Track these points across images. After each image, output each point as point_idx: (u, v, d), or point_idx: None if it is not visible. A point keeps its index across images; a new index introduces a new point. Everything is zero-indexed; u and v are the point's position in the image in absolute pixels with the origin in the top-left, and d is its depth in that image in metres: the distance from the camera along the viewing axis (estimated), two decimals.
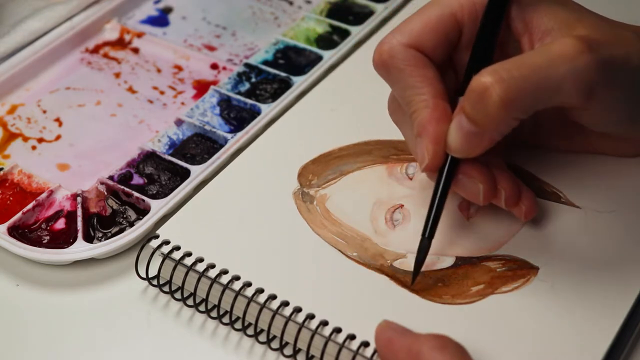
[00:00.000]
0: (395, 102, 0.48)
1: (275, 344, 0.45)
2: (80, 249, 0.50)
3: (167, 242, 0.48)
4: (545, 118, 0.47)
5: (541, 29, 0.44)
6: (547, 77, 0.41)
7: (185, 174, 0.54)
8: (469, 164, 0.45)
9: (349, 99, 0.57)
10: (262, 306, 0.45)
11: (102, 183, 0.54)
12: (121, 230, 0.52)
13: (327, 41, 0.65)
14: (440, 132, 0.44)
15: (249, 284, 0.46)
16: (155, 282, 0.48)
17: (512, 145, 0.49)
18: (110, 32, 0.67)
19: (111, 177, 0.54)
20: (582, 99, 0.42)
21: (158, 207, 0.52)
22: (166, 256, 0.48)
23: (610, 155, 0.50)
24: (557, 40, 0.42)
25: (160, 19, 0.69)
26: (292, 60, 0.63)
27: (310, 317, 0.44)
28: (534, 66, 0.41)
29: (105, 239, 0.51)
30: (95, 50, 0.66)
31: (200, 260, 0.47)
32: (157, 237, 0.49)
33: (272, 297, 0.45)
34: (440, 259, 0.47)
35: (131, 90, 0.63)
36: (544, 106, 0.42)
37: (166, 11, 0.70)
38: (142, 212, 0.53)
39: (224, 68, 0.64)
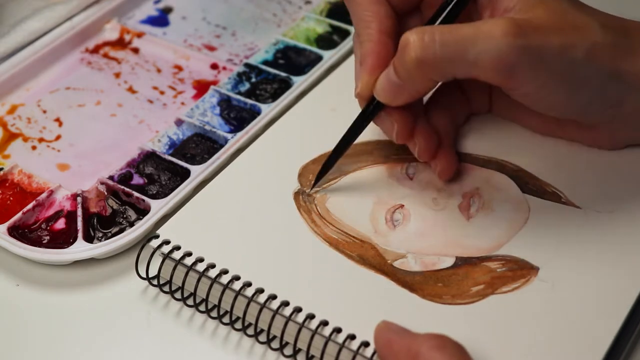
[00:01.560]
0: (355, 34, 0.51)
1: (275, 344, 0.45)
2: (80, 249, 0.50)
3: (167, 242, 0.48)
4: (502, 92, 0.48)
5: (503, 5, 0.46)
6: (464, 49, 0.43)
7: (185, 174, 0.54)
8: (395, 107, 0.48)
9: (349, 99, 0.57)
10: (262, 306, 0.45)
11: (102, 183, 0.54)
12: (121, 230, 0.52)
13: (327, 41, 0.65)
14: (376, 64, 0.47)
15: (249, 284, 0.46)
16: (155, 282, 0.48)
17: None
18: (110, 32, 0.67)
19: (111, 177, 0.54)
20: (501, 77, 0.44)
21: (158, 207, 0.52)
22: (166, 256, 0.48)
23: (587, 145, 0.51)
24: (492, 19, 0.44)
25: (160, 19, 0.69)
26: (292, 60, 0.63)
27: (310, 317, 0.44)
28: (458, 36, 0.43)
29: (105, 239, 0.51)
30: (95, 50, 0.66)
31: (201, 260, 0.47)
32: (157, 237, 0.49)
33: (272, 297, 0.45)
34: (440, 259, 0.47)
35: (131, 90, 0.63)
36: (462, 76, 0.45)
37: (166, 11, 0.70)
38: (142, 212, 0.53)
39: (224, 68, 0.64)
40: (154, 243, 0.48)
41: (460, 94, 0.52)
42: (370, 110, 0.49)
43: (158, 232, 0.49)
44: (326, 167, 0.50)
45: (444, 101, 0.51)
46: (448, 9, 0.47)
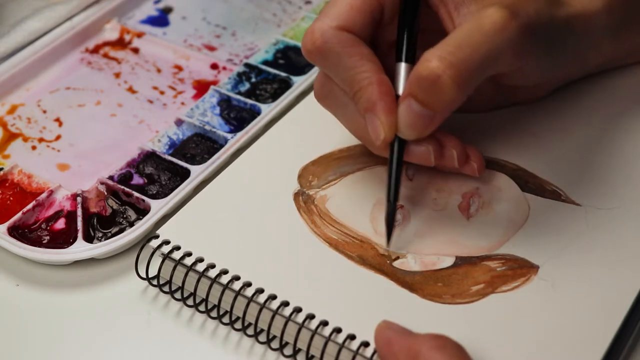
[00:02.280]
0: (325, 86, 0.48)
1: (275, 344, 0.45)
2: (80, 249, 0.50)
3: (167, 242, 0.48)
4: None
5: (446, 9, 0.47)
6: (487, 52, 0.43)
7: (185, 174, 0.54)
8: None
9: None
10: (262, 306, 0.45)
11: (102, 183, 0.54)
12: (121, 230, 0.52)
13: None
14: (391, 104, 0.45)
15: (248, 284, 0.46)
16: (155, 282, 0.48)
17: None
18: (110, 32, 0.67)
19: (111, 177, 0.54)
20: (515, 63, 0.45)
21: (158, 207, 0.52)
22: (166, 256, 0.48)
23: (524, 103, 0.53)
24: (482, 12, 0.44)
25: (160, 19, 0.69)
26: (292, 60, 0.63)
27: (310, 317, 0.44)
28: (474, 44, 0.43)
29: (105, 239, 0.51)
30: (95, 50, 0.66)
31: (200, 260, 0.47)
32: (157, 237, 0.49)
33: (272, 297, 0.45)
34: (440, 258, 0.47)
35: (131, 90, 0.63)
36: (486, 77, 0.45)
37: (166, 11, 0.70)
38: (142, 212, 0.53)
39: (224, 68, 0.64)
40: (154, 243, 0.48)
41: None
42: (398, 149, 0.46)
43: (158, 232, 0.49)
44: (390, 221, 0.47)
45: None
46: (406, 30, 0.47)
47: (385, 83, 0.46)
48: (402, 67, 0.47)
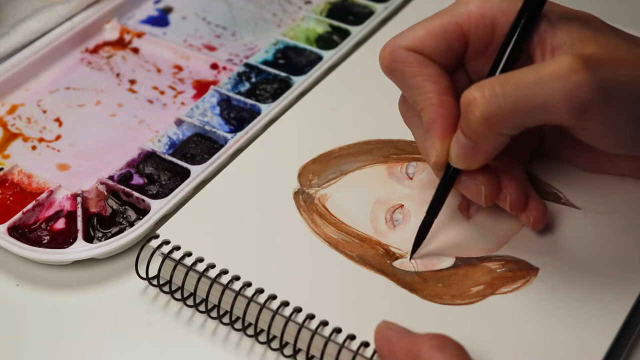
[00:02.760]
0: (404, 103, 0.49)
1: (275, 344, 0.45)
2: (80, 249, 0.50)
3: (167, 242, 0.48)
4: (562, 134, 0.47)
5: (553, 43, 0.44)
6: (531, 96, 0.40)
7: (185, 174, 0.54)
8: None
9: (349, 99, 0.57)
10: (262, 306, 0.45)
11: (102, 183, 0.54)
12: (121, 230, 0.52)
13: (327, 41, 0.65)
14: (446, 129, 0.45)
15: (248, 284, 0.46)
16: (155, 282, 0.48)
17: (538, 156, 0.50)
18: (110, 32, 0.67)
19: (111, 177, 0.54)
20: (574, 118, 0.41)
21: (158, 207, 0.52)
22: (166, 256, 0.48)
23: (635, 178, 0.49)
24: (555, 58, 0.41)
25: (160, 19, 0.69)
26: (292, 60, 0.63)
27: (310, 317, 0.44)
28: (520, 84, 0.41)
29: (105, 239, 0.51)
30: (95, 50, 0.66)
31: (200, 260, 0.47)
32: (157, 237, 0.49)
33: (272, 297, 0.45)
34: (440, 259, 0.47)
35: (131, 90, 0.63)
36: (533, 124, 0.42)
37: (166, 11, 0.70)
38: (142, 212, 0.52)
39: (224, 68, 0.64)
40: (154, 243, 0.48)
41: (519, 137, 0.46)
42: (449, 176, 0.46)
43: (158, 232, 0.49)
44: (421, 234, 0.47)
45: (510, 148, 0.46)
46: (505, 56, 0.45)
47: (447, 106, 0.45)
48: None
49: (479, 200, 0.46)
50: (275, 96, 0.60)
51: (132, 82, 0.63)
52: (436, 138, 0.45)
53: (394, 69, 0.46)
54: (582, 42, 0.43)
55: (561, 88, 0.40)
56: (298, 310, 0.44)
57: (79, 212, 0.52)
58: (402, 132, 0.53)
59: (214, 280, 0.46)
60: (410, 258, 0.47)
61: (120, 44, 0.67)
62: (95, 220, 0.53)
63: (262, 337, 0.46)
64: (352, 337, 0.43)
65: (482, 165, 0.45)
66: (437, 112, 0.45)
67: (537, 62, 0.45)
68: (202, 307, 0.47)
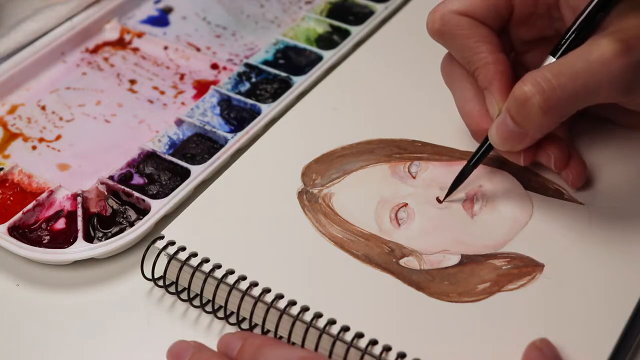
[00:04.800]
0: (448, 63, 0.51)
1: None
2: (80, 249, 0.50)
3: (172, 243, 0.48)
4: None
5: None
6: (585, 84, 0.43)
7: (186, 174, 0.54)
8: None
9: (351, 99, 0.57)
10: (269, 306, 0.45)
11: (102, 183, 0.54)
12: (121, 230, 0.51)
13: (327, 41, 0.65)
14: (505, 83, 0.47)
15: (255, 284, 0.46)
16: (161, 282, 0.48)
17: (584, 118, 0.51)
18: (111, 32, 0.67)
19: (111, 177, 0.54)
20: (622, 96, 0.44)
21: (158, 207, 0.52)
22: (172, 257, 0.48)
23: None
24: (595, 41, 0.43)
25: (160, 19, 0.69)
26: (292, 60, 0.63)
27: (318, 316, 0.44)
28: (573, 74, 0.43)
29: (105, 239, 0.51)
30: (95, 50, 0.66)
31: (206, 260, 0.47)
32: (162, 237, 0.48)
33: (279, 296, 0.45)
34: (445, 257, 0.47)
35: (131, 90, 0.62)
36: (583, 107, 0.44)
37: (166, 11, 0.70)
38: (143, 212, 0.52)
39: (224, 68, 0.64)
40: (160, 244, 0.48)
41: None
42: (488, 144, 0.48)
43: (163, 232, 0.49)
44: (459, 178, 0.49)
45: None
46: (570, 37, 0.47)
47: (502, 62, 0.48)
48: (549, 61, 0.47)
49: (518, 161, 0.48)
50: (275, 96, 0.60)
51: (132, 82, 0.63)
52: (497, 93, 0.47)
53: (445, 32, 0.48)
54: (622, 15, 0.45)
55: (608, 73, 0.43)
56: (305, 309, 0.44)
57: (79, 212, 0.52)
58: (404, 132, 0.54)
59: (220, 281, 0.46)
60: (443, 200, 0.49)
61: (120, 44, 0.66)
62: (95, 220, 0.53)
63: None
64: (360, 336, 0.43)
65: (525, 147, 0.47)
66: (495, 69, 0.47)
67: (567, 20, 0.48)
68: (208, 308, 0.47)
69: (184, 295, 0.48)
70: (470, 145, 0.52)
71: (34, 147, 0.58)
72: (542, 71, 0.44)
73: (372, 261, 0.47)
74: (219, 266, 0.47)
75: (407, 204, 0.49)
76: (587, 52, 0.43)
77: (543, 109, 0.43)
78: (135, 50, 0.66)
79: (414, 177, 0.51)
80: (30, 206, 0.52)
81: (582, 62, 0.43)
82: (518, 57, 0.51)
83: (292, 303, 0.45)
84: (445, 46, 0.50)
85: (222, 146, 0.56)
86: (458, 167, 0.51)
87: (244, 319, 0.46)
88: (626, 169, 0.50)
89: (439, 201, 0.49)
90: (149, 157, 0.56)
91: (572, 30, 0.47)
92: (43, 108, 0.61)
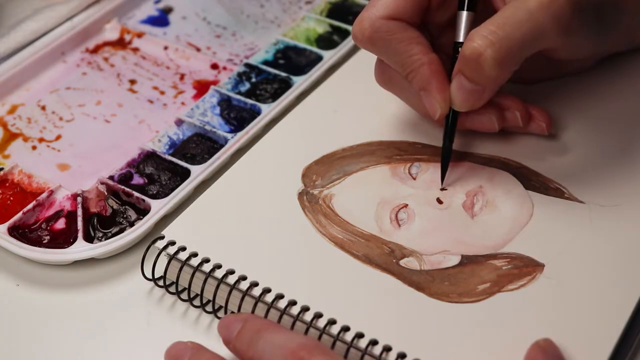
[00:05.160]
0: (385, 73, 0.52)
1: None
2: (81, 249, 0.50)
3: (172, 243, 0.48)
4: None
5: None
6: (530, 30, 0.45)
7: (186, 174, 0.54)
8: None
9: (351, 100, 0.57)
10: (270, 306, 0.45)
11: (102, 183, 0.54)
12: (121, 230, 0.51)
13: (327, 41, 0.65)
14: (443, 82, 0.48)
15: (255, 284, 0.46)
16: (161, 282, 0.48)
17: None
18: (111, 32, 0.67)
19: (111, 177, 0.54)
20: (561, 37, 0.46)
21: (158, 207, 0.52)
22: (172, 257, 0.48)
23: (571, 74, 0.55)
24: None
25: (160, 19, 0.69)
26: (292, 60, 0.63)
27: (318, 316, 0.44)
28: (517, 22, 0.45)
29: (105, 239, 0.51)
30: (96, 50, 0.66)
31: (207, 260, 0.47)
32: (162, 237, 0.48)
33: (280, 296, 0.45)
34: (446, 257, 0.47)
35: (131, 90, 0.62)
36: (530, 53, 0.46)
37: (166, 11, 0.70)
38: (143, 212, 0.52)
39: (224, 68, 0.64)
40: (160, 244, 0.48)
41: None
42: (452, 120, 0.50)
43: (163, 233, 0.49)
44: (444, 160, 0.50)
45: None
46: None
47: (436, 62, 0.48)
48: (463, 15, 0.49)
49: (493, 127, 0.50)
50: (275, 96, 0.60)
51: (132, 82, 0.63)
52: (437, 92, 0.48)
53: (377, 39, 0.49)
54: None
55: (550, 15, 0.45)
56: (306, 309, 0.44)
57: (79, 212, 0.52)
58: (404, 134, 0.54)
59: (221, 281, 0.46)
60: (442, 184, 0.50)
61: (120, 44, 0.66)
62: (95, 220, 0.53)
63: None
64: (360, 336, 0.43)
65: (486, 102, 0.48)
66: (430, 69, 0.48)
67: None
68: (208, 308, 0.47)
69: (184, 295, 0.48)
70: (471, 146, 0.52)
71: (34, 147, 0.58)
72: (485, 25, 0.45)
73: (372, 262, 0.47)
74: (219, 266, 0.47)
75: (407, 204, 0.49)
76: (524, 1, 0.45)
77: (496, 60, 0.45)
78: (135, 50, 0.66)
79: (415, 179, 0.51)
80: (30, 206, 0.52)
81: (522, 10, 0.45)
82: (433, 40, 0.52)
83: (293, 303, 0.45)
84: (376, 53, 0.50)
85: (222, 146, 0.56)
86: (458, 168, 0.51)
87: None
88: (627, 167, 0.50)
89: (440, 202, 0.49)
90: (149, 157, 0.56)
91: None
92: (43, 108, 0.61)
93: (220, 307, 0.47)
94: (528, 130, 0.51)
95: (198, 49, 0.66)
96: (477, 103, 0.48)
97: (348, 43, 0.63)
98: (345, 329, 0.43)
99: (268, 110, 0.58)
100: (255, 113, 0.58)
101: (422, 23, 0.51)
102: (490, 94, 0.48)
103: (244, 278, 0.46)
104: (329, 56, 0.62)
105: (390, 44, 0.49)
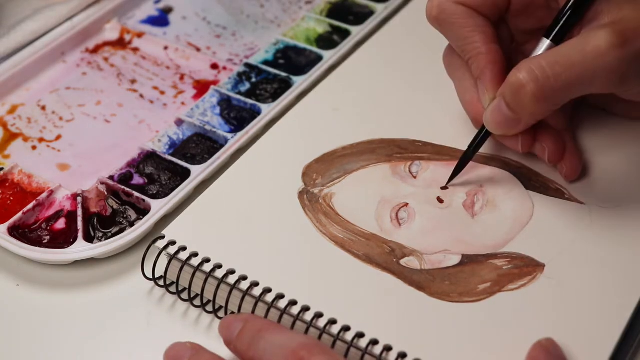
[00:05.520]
0: (449, 53, 0.52)
1: None
2: (81, 249, 0.50)
3: (173, 243, 0.48)
4: None
5: (591, 10, 0.47)
6: (579, 75, 0.44)
7: (186, 174, 0.54)
8: None
9: (351, 99, 0.57)
10: (270, 306, 0.45)
11: (102, 183, 0.54)
12: (121, 230, 0.51)
13: (327, 41, 0.64)
14: (497, 74, 0.48)
15: (256, 284, 0.46)
16: (161, 282, 0.48)
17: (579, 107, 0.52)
18: (111, 32, 0.67)
19: (111, 177, 0.54)
20: (614, 87, 0.45)
21: (158, 207, 0.52)
22: (173, 257, 0.47)
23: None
24: (592, 32, 0.44)
25: (160, 19, 0.69)
26: (292, 60, 0.63)
27: (319, 315, 0.44)
28: (568, 64, 0.44)
29: (105, 239, 0.51)
30: (96, 50, 0.66)
31: (207, 260, 0.47)
32: (163, 237, 0.48)
33: (280, 296, 0.45)
34: (446, 257, 0.47)
35: (131, 90, 0.62)
36: (577, 96, 0.45)
37: (166, 11, 0.70)
38: (143, 212, 0.52)
39: (224, 68, 0.63)
40: (160, 244, 0.48)
41: None
42: (485, 132, 0.49)
43: (164, 232, 0.49)
44: (461, 164, 0.50)
45: None
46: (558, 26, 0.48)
47: (494, 53, 0.48)
48: (545, 44, 0.48)
49: (517, 149, 0.49)
50: (275, 96, 0.60)
51: (133, 82, 0.63)
52: (488, 83, 0.48)
53: (442, 20, 0.50)
54: (617, 7, 0.45)
55: (604, 65, 0.43)
56: (306, 309, 0.44)
57: (79, 212, 0.52)
58: (405, 131, 0.54)
59: (221, 281, 0.46)
60: (447, 184, 0.50)
61: (120, 44, 0.66)
62: (95, 220, 0.52)
63: None
64: (360, 335, 0.43)
65: (519, 132, 0.48)
66: (487, 59, 0.48)
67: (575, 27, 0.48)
68: (209, 308, 0.47)
69: (184, 295, 0.48)
70: None
71: (34, 147, 0.58)
72: (538, 59, 0.44)
73: (372, 261, 0.47)
74: (219, 266, 0.47)
75: (407, 203, 0.49)
76: (583, 42, 0.44)
77: (536, 97, 0.44)
78: (135, 50, 0.66)
79: (415, 177, 0.51)
80: (30, 206, 0.52)
81: (577, 52, 0.44)
82: (518, 47, 0.52)
83: (293, 303, 0.45)
84: (443, 34, 0.51)
85: (222, 146, 0.56)
86: None
87: None
88: (628, 167, 0.50)
89: (440, 201, 0.49)
90: (149, 157, 0.56)
91: (565, 10, 0.47)
92: (43, 108, 0.61)
93: (221, 307, 0.47)
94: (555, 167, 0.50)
95: (198, 49, 0.66)
96: (509, 131, 0.48)
97: (348, 43, 0.63)
98: (346, 328, 0.43)
99: (268, 110, 0.58)
100: (255, 113, 0.58)
101: (503, 22, 0.51)
102: (526, 127, 0.47)
103: (244, 278, 0.46)
104: (329, 56, 0.62)
105: (454, 27, 0.49)
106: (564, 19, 0.48)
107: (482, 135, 0.49)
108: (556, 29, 0.48)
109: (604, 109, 0.53)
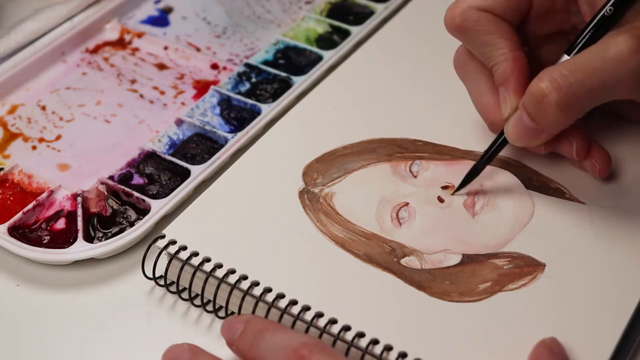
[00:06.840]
0: (462, 57, 0.51)
1: None
2: (81, 249, 0.50)
3: (173, 242, 0.48)
4: None
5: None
6: (601, 81, 0.43)
7: (186, 174, 0.54)
8: None
9: (351, 98, 0.57)
10: (270, 305, 0.45)
11: (102, 183, 0.54)
12: (121, 230, 0.51)
13: (327, 41, 0.64)
14: (521, 82, 0.47)
15: (256, 284, 0.46)
16: (161, 282, 0.48)
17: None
18: (111, 32, 0.67)
19: (111, 177, 0.54)
20: (637, 93, 0.44)
21: (158, 207, 0.52)
22: (173, 256, 0.47)
23: None
24: (612, 38, 0.43)
25: (160, 19, 0.69)
26: (293, 60, 0.63)
27: (319, 315, 0.44)
28: (590, 71, 0.43)
29: (105, 239, 0.51)
30: (96, 50, 0.66)
31: (207, 260, 0.47)
32: (163, 237, 0.48)
33: (280, 296, 0.45)
34: (446, 256, 0.47)
35: (131, 90, 0.62)
36: (600, 103, 0.45)
37: (166, 11, 0.70)
38: (143, 212, 0.52)
39: (224, 68, 0.63)
40: (161, 243, 0.48)
41: None
42: (500, 143, 0.49)
43: (164, 232, 0.49)
44: (471, 174, 0.50)
45: None
46: (587, 33, 0.47)
47: (520, 60, 0.48)
48: (564, 59, 0.47)
49: (539, 149, 0.49)
50: (275, 96, 0.60)
51: (133, 82, 0.63)
52: (511, 91, 0.47)
53: (466, 28, 0.49)
54: (637, 12, 0.45)
55: (626, 70, 0.43)
56: (306, 308, 0.44)
57: (79, 212, 0.52)
58: (405, 131, 0.54)
59: (222, 280, 0.46)
60: (454, 193, 0.49)
61: (120, 44, 0.66)
62: (95, 220, 0.52)
63: None
64: (361, 335, 0.43)
65: (542, 142, 0.47)
66: (512, 67, 0.48)
67: (584, 15, 0.48)
68: (209, 307, 0.47)
69: (184, 295, 0.48)
70: (471, 144, 0.52)
71: (34, 147, 0.58)
72: (559, 68, 0.44)
73: (373, 261, 0.47)
74: (220, 265, 0.47)
75: (408, 203, 0.49)
76: (604, 49, 0.43)
77: (560, 106, 0.44)
78: (135, 50, 0.66)
79: (415, 177, 0.51)
80: (30, 206, 0.52)
81: (598, 59, 0.43)
82: (532, 52, 0.51)
83: (293, 302, 0.44)
84: (464, 41, 0.50)
85: (222, 146, 0.56)
86: (459, 166, 0.51)
87: None
88: (628, 167, 0.50)
89: (441, 200, 0.49)
90: (149, 157, 0.56)
91: (588, 29, 0.47)
92: (43, 108, 0.61)
93: (221, 306, 0.47)
94: (582, 167, 0.49)
95: (198, 49, 0.66)
96: (532, 142, 0.47)
97: (348, 43, 0.63)
98: (346, 328, 0.43)
99: (268, 110, 0.58)
100: (255, 113, 0.58)
101: (520, 28, 0.50)
102: (548, 137, 0.47)
103: (244, 277, 0.46)
104: (329, 56, 0.62)
105: (478, 34, 0.48)
106: (586, 37, 0.47)
107: (498, 145, 0.49)
108: (578, 47, 0.47)
109: (620, 114, 0.52)
